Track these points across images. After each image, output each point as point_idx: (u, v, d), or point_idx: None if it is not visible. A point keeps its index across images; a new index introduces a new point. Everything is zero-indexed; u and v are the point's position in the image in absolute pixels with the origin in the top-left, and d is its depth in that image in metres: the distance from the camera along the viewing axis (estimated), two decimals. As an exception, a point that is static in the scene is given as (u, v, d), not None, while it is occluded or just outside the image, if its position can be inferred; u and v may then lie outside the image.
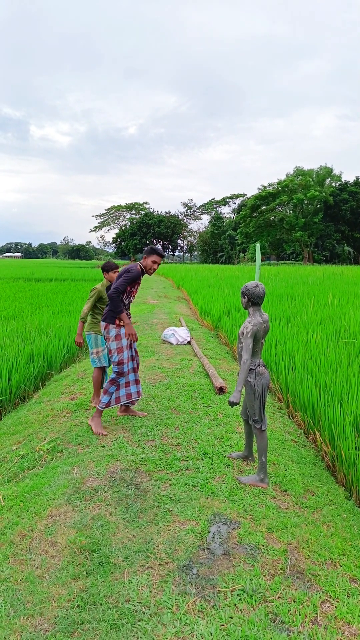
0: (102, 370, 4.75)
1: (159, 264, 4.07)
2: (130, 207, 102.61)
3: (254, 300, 3.10)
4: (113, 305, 3.87)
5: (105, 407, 4.00)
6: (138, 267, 3.97)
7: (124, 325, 3.96)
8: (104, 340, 4.06)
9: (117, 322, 3.95)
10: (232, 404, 2.96)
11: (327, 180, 63.53)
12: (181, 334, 8.09)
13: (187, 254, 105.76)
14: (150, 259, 4.01)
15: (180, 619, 1.96)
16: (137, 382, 4.32)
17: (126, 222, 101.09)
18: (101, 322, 4.01)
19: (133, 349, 4.22)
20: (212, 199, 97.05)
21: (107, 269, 4.73)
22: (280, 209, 63.53)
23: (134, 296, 4.09)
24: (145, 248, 4.10)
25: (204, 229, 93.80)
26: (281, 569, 2.30)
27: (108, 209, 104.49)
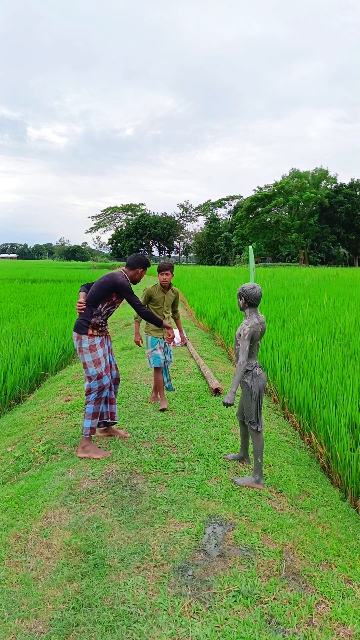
0: (159, 370, 4.63)
1: None
2: (126, 209, 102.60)
3: (251, 301, 3.10)
4: (153, 322, 3.74)
5: (91, 434, 3.59)
6: (123, 276, 3.68)
7: (97, 335, 3.63)
8: (77, 351, 3.66)
9: (91, 332, 3.59)
10: (226, 405, 2.96)
11: (323, 182, 63.86)
12: (177, 335, 8.10)
13: (183, 256, 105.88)
14: (142, 272, 3.80)
15: (176, 620, 1.95)
16: (111, 401, 3.88)
17: (122, 224, 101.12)
18: (73, 333, 3.65)
19: (110, 361, 3.83)
20: (208, 200, 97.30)
21: (161, 269, 4.53)
22: (276, 210, 63.79)
23: (117, 307, 3.77)
24: (134, 257, 3.80)
25: (200, 231, 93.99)
26: (276, 570, 2.30)
27: (104, 210, 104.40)
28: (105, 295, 3.62)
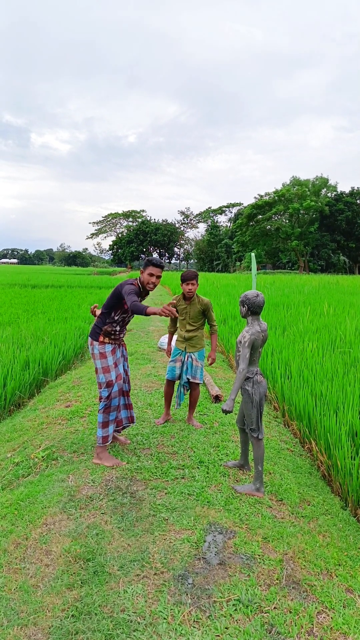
0: (170, 383, 4.35)
1: (158, 277, 3.46)
2: (127, 215, 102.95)
3: (253, 309, 3.11)
4: (138, 310, 3.14)
5: (104, 443, 3.54)
6: (136, 283, 3.46)
7: (109, 343, 3.54)
8: (91, 356, 3.61)
9: (102, 338, 3.53)
10: (225, 412, 2.96)
11: (323, 191, 64.13)
12: (164, 340, 8.09)
13: (183, 262, 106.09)
14: (146, 272, 3.45)
15: (176, 629, 1.94)
16: (127, 406, 3.86)
17: (123, 230, 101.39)
18: (88, 339, 3.62)
19: (123, 369, 3.74)
20: (209, 207, 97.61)
21: (185, 278, 4.06)
22: (276, 218, 63.99)
23: (130, 316, 3.61)
24: (144, 260, 3.54)
25: (200, 237, 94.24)
26: (277, 579, 2.29)
27: (105, 217, 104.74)
28: (116, 303, 3.49)
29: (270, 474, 3.47)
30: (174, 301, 3.51)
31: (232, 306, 12.19)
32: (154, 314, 3.10)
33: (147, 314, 3.10)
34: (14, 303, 13.84)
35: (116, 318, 3.54)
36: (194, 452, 3.74)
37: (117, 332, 3.60)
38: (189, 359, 4.25)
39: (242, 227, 65.99)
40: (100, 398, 3.55)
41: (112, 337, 3.58)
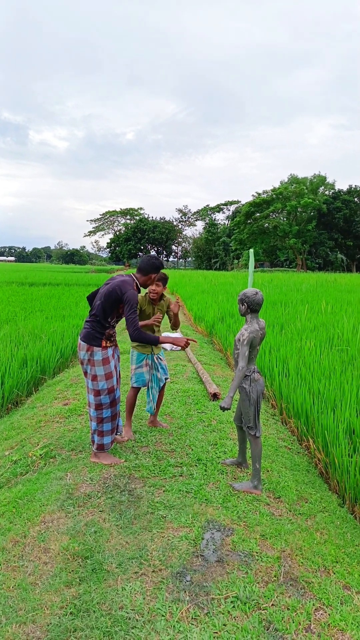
0: (137, 391, 4.10)
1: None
2: (125, 213, 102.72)
3: (253, 307, 3.11)
4: (147, 342, 3.28)
5: (107, 449, 3.51)
6: (134, 286, 3.35)
7: (110, 347, 3.40)
8: (86, 362, 3.39)
9: (104, 343, 3.34)
10: (223, 409, 2.96)
11: (321, 189, 64.23)
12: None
13: (181, 260, 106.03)
14: (156, 278, 3.47)
15: (174, 626, 1.95)
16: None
17: (121, 228, 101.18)
18: (81, 343, 3.36)
19: (118, 373, 3.61)
20: (207, 205, 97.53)
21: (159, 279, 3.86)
22: (274, 216, 64.03)
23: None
24: (146, 261, 3.45)
25: (198, 235, 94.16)
26: (275, 576, 2.30)
27: (103, 214, 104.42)
28: (113, 309, 3.34)
29: (268, 471, 3.48)
30: (191, 340, 3.34)
31: (229, 304, 12.20)
32: (168, 343, 3.34)
33: (159, 343, 3.33)
34: (12, 301, 13.81)
35: (112, 322, 3.42)
36: (192, 449, 3.74)
37: (115, 334, 3.53)
38: (158, 360, 4.07)
39: (240, 225, 65.98)
40: (101, 405, 3.40)
41: (112, 339, 3.46)
